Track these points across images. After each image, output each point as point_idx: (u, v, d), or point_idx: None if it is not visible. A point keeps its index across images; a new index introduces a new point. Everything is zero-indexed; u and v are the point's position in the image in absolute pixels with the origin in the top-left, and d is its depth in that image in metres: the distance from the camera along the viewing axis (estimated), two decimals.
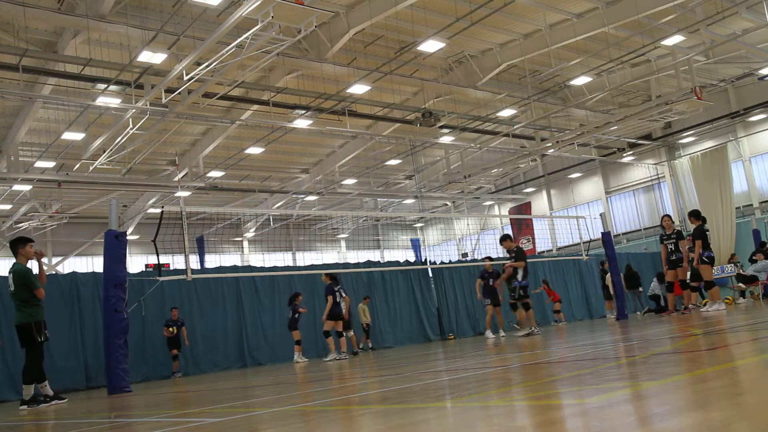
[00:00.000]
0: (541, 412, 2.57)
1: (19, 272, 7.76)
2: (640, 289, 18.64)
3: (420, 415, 2.94)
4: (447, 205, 36.28)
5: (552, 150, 23.87)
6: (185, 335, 13.82)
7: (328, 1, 15.70)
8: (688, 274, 12.67)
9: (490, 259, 14.36)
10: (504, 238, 12.35)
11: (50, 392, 7.83)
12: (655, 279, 17.86)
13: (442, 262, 18.75)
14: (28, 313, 7.64)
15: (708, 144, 26.76)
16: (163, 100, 14.77)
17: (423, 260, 26.01)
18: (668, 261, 12.26)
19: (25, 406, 7.51)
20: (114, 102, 16.13)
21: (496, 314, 13.72)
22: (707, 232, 11.74)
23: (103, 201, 24.07)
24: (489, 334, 13.54)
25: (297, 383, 6.84)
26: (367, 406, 3.67)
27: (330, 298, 12.56)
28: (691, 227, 11.77)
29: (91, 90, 16.31)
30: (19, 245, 7.97)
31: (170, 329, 13.54)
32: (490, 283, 13.55)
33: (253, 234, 33.25)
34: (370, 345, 16.15)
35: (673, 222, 12.64)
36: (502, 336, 13.27)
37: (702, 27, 17.14)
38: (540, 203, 33.38)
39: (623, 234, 29.80)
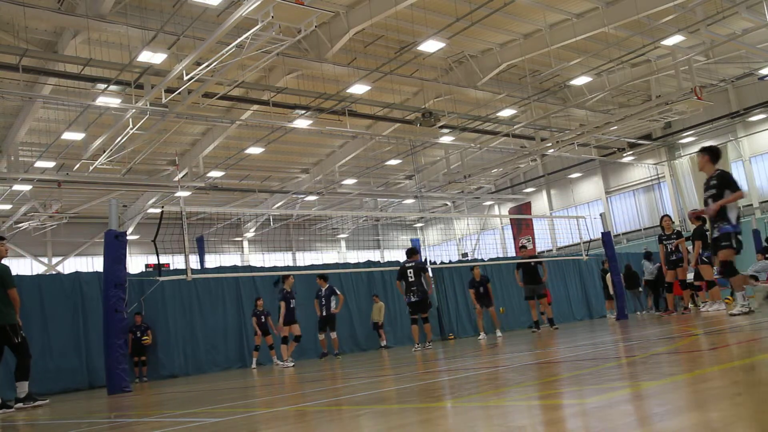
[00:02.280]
0: (541, 412, 2.57)
1: None
2: (640, 289, 18.63)
3: (420, 415, 2.94)
4: (447, 205, 36.29)
5: (552, 150, 23.88)
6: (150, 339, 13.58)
7: (328, 1, 15.70)
8: (690, 274, 12.67)
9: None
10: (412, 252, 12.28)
11: (23, 394, 7.52)
12: (644, 260, 17.69)
13: (442, 262, 18.74)
14: (2, 315, 7.36)
15: (708, 144, 26.73)
16: (163, 100, 14.78)
17: (423, 260, 26.01)
18: (668, 261, 12.27)
19: (20, 404, 7.36)
20: (114, 102, 16.13)
21: (491, 315, 13.92)
22: (707, 232, 11.75)
23: (103, 201, 24.09)
24: (483, 335, 13.72)
25: (297, 383, 6.84)
26: (367, 406, 3.67)
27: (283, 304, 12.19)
28: (692, 227, 11.80)
29: (91, 90, 16.32)
30: None
31: (144, 338, 13.12)
32: (481, 291, 14.01)
33: (253, 234, 33.26)
34: (384, 343, 16.15)
35: (672, 222, 12.66)
36: (499, 336, 13.32)
37: (702, 27, 17.15)
38: (540, 203, 33.38)
39: (623, 234, 29.81)
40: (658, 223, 12.79)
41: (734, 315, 7.34)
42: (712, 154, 7.88)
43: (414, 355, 9.79)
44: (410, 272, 11.52)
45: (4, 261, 7.70)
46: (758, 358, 3.37)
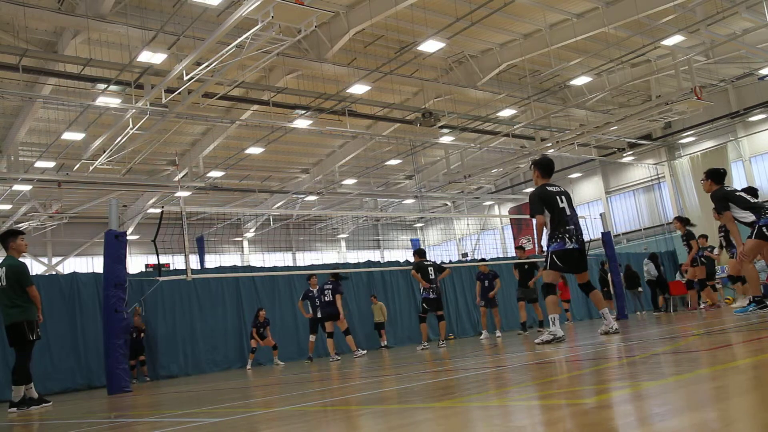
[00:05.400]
0: (541, 412, 2.57)
1: (13, 267, 7.29)
2: (640, 289, 18.63)
3: (420, 415, 2.94)
4: (447, 205, 36.29)
5: (552, 150, 23.87)
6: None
7: (328, 1, 15.71)
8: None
9: (483, 260, 14.54)
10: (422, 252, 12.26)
11: (35, 395, 7.42)
12: (648, 259, 17.74)
13: (442, 262, 18.72)
14: (20, 311, 7.23)
15: (708, 144, 26.76)
16: (163, 100, 14.80)
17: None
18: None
19: (14, 409, 7.11)
20: (114, 102, 16.14)
21: (493, 315, 13.85)
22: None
23: (103, 201, 24.09)
24: (485, 334, 13.62)
25: (297, 383, 6.84)
26: (366, 406, 3.67)
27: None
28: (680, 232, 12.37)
29: (91, 90, 16.33)
30: (9, 238, 7.49)
31: (134, 336, 13.05)
32: (485, 285, 13.77)
33: (253, 234, 33.26)
34: (385, 343, 16.10)
35: (683, 225, 12.94)
36: (498, 336, 13.30)
37: (702, 27, 17.16)
38: None
39: (623, 234, 29.79)
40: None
41: (539, 343, 7.04)
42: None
43: (421, 354, 9.78)
44: (431, 270, 11.48)
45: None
46: (758, 358, 3.38)
